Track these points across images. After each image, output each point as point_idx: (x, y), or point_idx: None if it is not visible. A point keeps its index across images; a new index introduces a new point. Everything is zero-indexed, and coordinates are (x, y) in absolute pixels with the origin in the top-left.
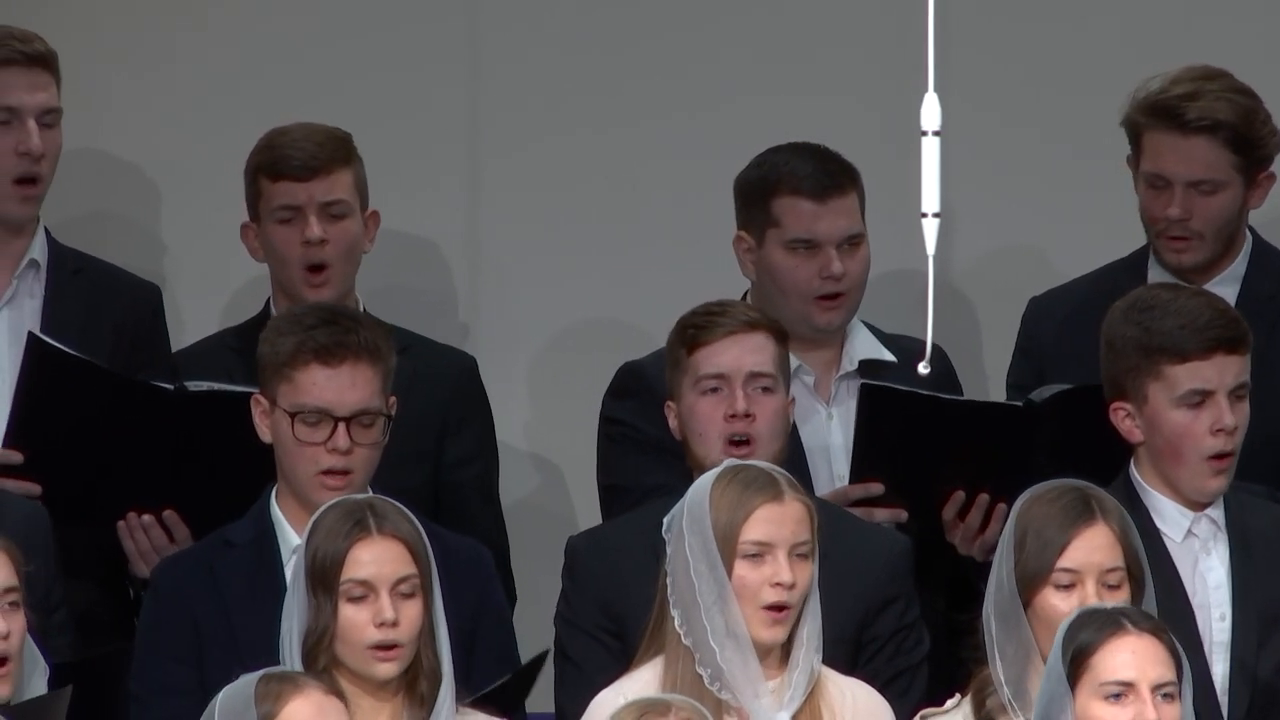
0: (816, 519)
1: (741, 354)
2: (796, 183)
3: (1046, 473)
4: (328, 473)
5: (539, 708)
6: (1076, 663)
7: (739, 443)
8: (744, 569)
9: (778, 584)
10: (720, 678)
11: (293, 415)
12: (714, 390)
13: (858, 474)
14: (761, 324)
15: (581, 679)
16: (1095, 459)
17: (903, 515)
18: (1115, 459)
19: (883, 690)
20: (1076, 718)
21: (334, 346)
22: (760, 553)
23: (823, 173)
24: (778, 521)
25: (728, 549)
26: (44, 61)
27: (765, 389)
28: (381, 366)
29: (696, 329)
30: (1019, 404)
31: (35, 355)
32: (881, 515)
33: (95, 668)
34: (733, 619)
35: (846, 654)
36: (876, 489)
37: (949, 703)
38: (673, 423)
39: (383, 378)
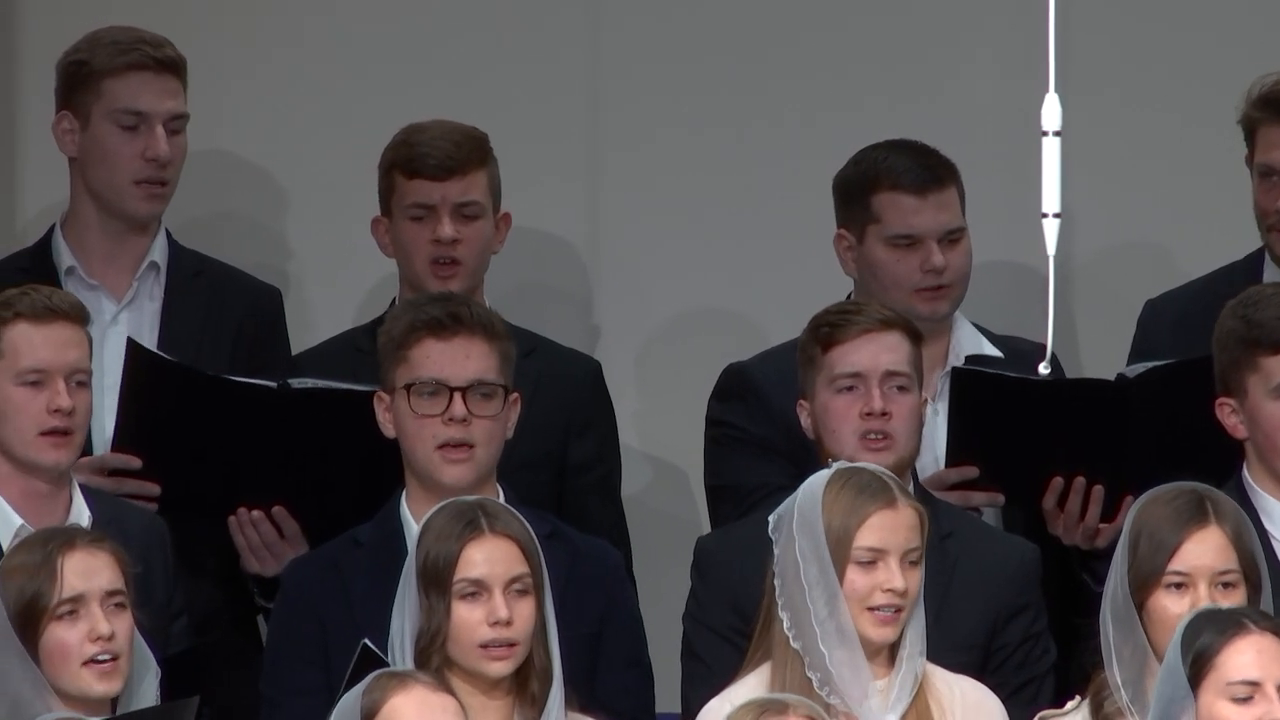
0: (927, 525)
1: (878, 352)
2: (895, 178)
3: (1142, 451)
4: (447, 446)
5: (665, 708)
6: (1198, 664)
7: (875, 440)
8: (855, 574)
9: (889, 589)
10: (830, 681)
11: (409, 389)
12: (849, 389)
13: (953, 458)
14: (897, 323)
15: (710, 678)
16: (1193, 437)
17: (1000, 499)
18: (1214, 437)
19: (1010, 699)
20: (1200, 719)
21: (446, 319)
22: (873, 559)
23: (921, 167)
24: (891, 528)
25: (840, 554)
26: (173, 67)
27: (901, 388)
28: (497, 344)
29: (832, 327)
30: (1110, 380)
31: (134, 360)
32: (978, 499)
33: (195, 658)
34: (843, 623)
35: (975, 661)
36: (971, 472)
37: (1068, 705)
38: (805, 420)
39: (499, 355)
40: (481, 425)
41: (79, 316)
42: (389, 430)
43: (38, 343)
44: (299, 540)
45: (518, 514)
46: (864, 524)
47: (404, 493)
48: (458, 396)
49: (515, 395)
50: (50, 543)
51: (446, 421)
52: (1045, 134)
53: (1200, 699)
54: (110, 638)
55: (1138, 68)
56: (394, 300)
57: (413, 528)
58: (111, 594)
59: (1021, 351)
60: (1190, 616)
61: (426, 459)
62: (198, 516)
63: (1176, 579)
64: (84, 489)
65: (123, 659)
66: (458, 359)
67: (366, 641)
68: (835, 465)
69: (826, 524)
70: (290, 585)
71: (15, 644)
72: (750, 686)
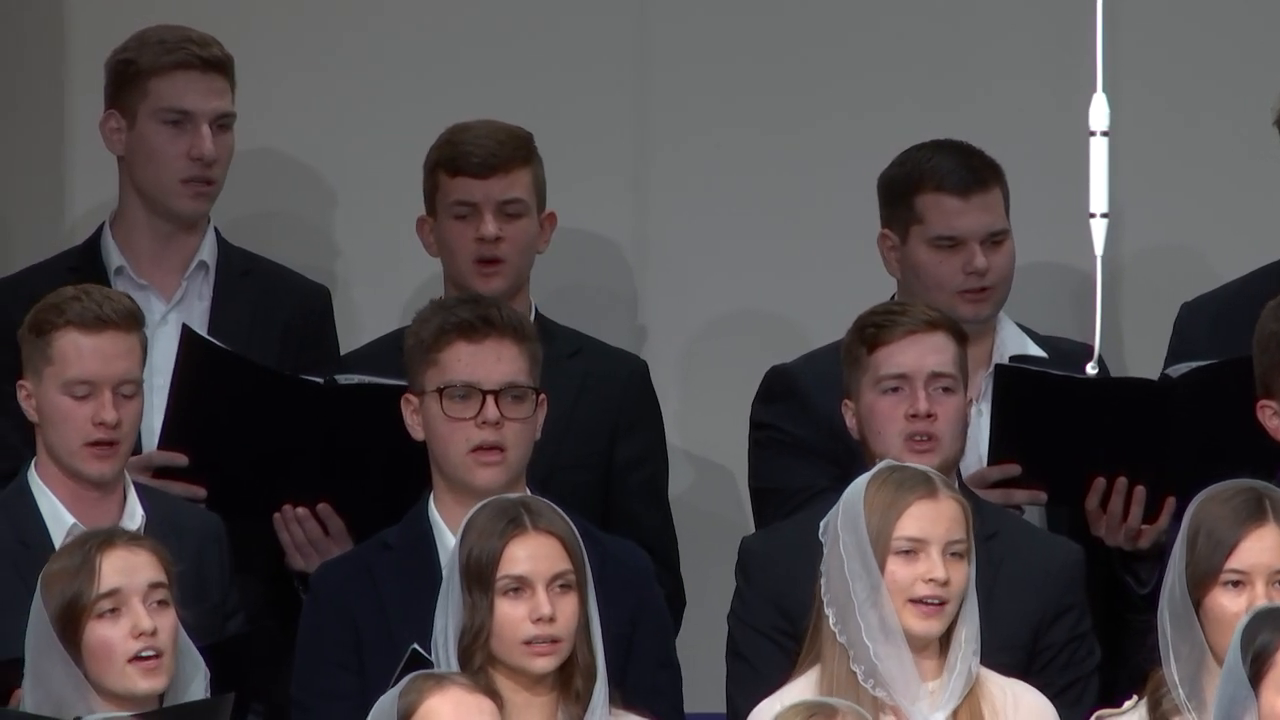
0: (972, 520)
1: (923, 353)
2: (939, 179)
3: (1184, 452)
4: (480, 449)
5: (711, 708)
6: (1258, 662)
7: (920, 441)
8: (896, 565)
9: (930, 579)
10: (875, 675)
11: (440, 392)
12: (895, 390)
13: (995, 456)
14: (942, 323)
15: (756, 678)
16: (1236, 438)
17: (1042, 498)
18: (1257, 438)
19: (1054, 699)
20: (1262, 717)
21: (477, 322)
22: (913, 549)
23: (965, 169)
24: (931, 519)
25: (881, 546)
26: (220, 66)
27: (946, 389)
28: (527, 346)
29: (877, 328)
30: (1153, 380)
31: (188, 348)
32: (1020, 497)
33: (231, 649)
34: (886, 615)
35: (1019, 662)
36: (1013, 470)
37: (1126, 704)
38: (850, 421)
39: (529, 357)
40: (513, 428)
41: (131, 323)
42: (417, 433)
43: (86, 353)
44: (344, 537)
45: (561, 511)
46: (904, 514)
47: (431, 495)
48: (490, 399)
49: (543, 396)
50: (88, 543)
51: (479, 425)
52: (1093, 134)
53: (1262, 697)
54: (153, 633)
55: (1184, 68)
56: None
57: (442, 530)
58: (153, 589)
59: (1066, 352)
60: (1249, 616)
61: (459, 462)
62: (243, 515)
63: (1234, 577)
64: (139, 488)
65: (167, 656)
66: (489, 362)
67: (416, 646)
68: (882, 463)
69: (868, 517)
70: (321, 588)
71: (58, 647)
72: (801, 688)
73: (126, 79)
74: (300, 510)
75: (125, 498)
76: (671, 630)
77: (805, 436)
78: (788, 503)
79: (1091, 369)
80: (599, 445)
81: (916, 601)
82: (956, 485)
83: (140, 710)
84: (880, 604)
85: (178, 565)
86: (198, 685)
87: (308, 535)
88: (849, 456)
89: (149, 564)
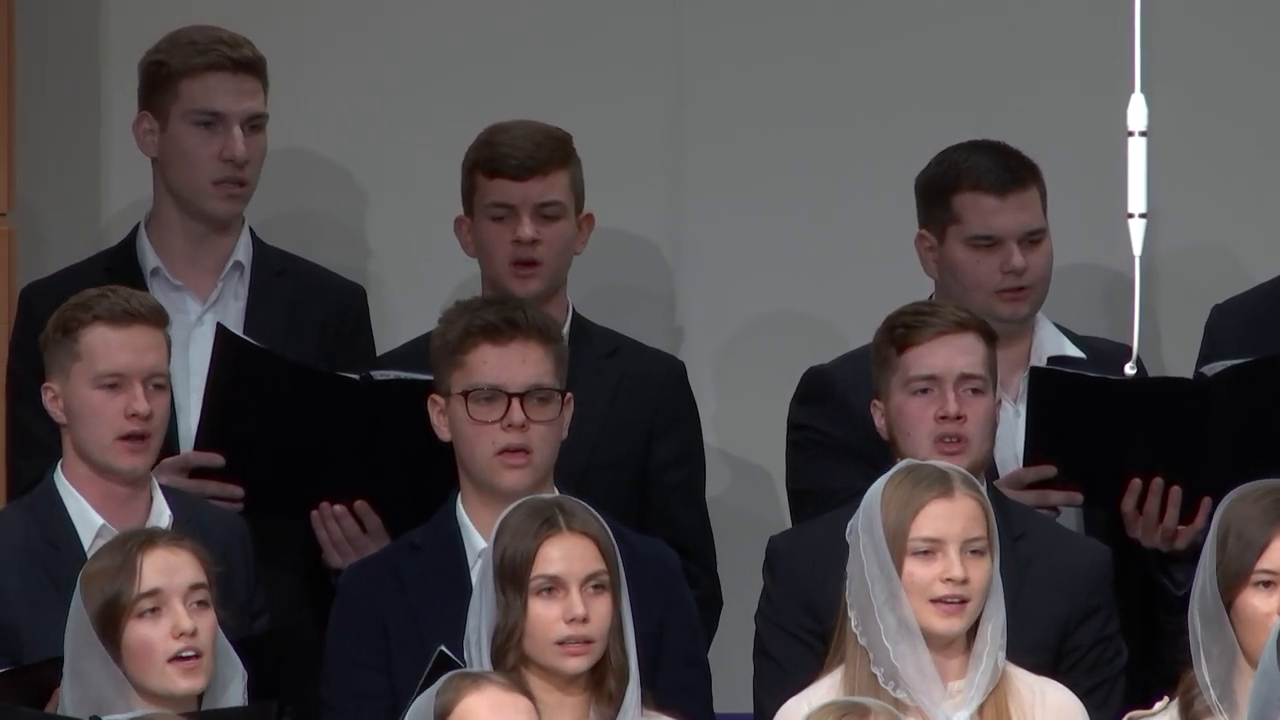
0: (993, 517)
1: (953, 355)
2: (976, 178)
3: (1220, 452)
4: (506, 451)
5: (738, 708)
6: None
7: (950, 443)
8: (914, 565)
9: (949, 579)
10: (895, 676)
11: (466, 395)
12: (924, 391)
13: (1031, 458)
14: (972, 324)
15: (783, 678)
16: (1273, 437)
17: (1078, 498)
18: None
19: (1081, 700)
20: None
21: (502, 324)
22: (930, 549)
23: (1002, 168)
24: (947, 518)
25: (898, 546)
26: (251, 67)
27: (976, 390)
28: (552, 348)
29: (906, 329)
30: (1188, 379)
31: (222, 347)
32: (1056, 498)
33: (259, 646)
34: (904, 616)
35: (1047, 662)
36: (1049, 472)
37: (1157, 705)
38: (879, 421)
39: (555, 359)
40: (538, 430)
41: (157, 319)
42: (443, 434)
43: (115, 346)
44: (381, 534)
45: (595, 512)
46: (919, 514)
47: (459, 496)
48: (515, 402)
49: (570, 396)
50: (129, 543)
51: (505, 427)
52: (1131, 134)
53: None
54: (193, 634)
55: (1222, 68)
56: None
57: (470, 531)
58: (193, 590)
59: (1104, 352)
60: None
61: (485, 464)
62: (280, 514)
63: (1265, 577)
64: (165, 489)
65: (206, 656)
66: (514, 364)
67: (443, 648)
68: (901, 463)
69: (884, 518)
70: (349, 589)
71: (98, 646)
72: (826, 687)
73: (158, 80)
74: (337, 508)
75: (152, 499)
76: (700, 629)
77: (843, 437)
78: (826, 504)
79: (1130, 369)
80: (635, 445)
81: (937, 601)
82: (984, 484)
83: (180, 711)
84: (898, 605)
85: (217, 566)
86: (236, 687)
87: (345, 533)
88: (886, 457)
89: (189, 564)
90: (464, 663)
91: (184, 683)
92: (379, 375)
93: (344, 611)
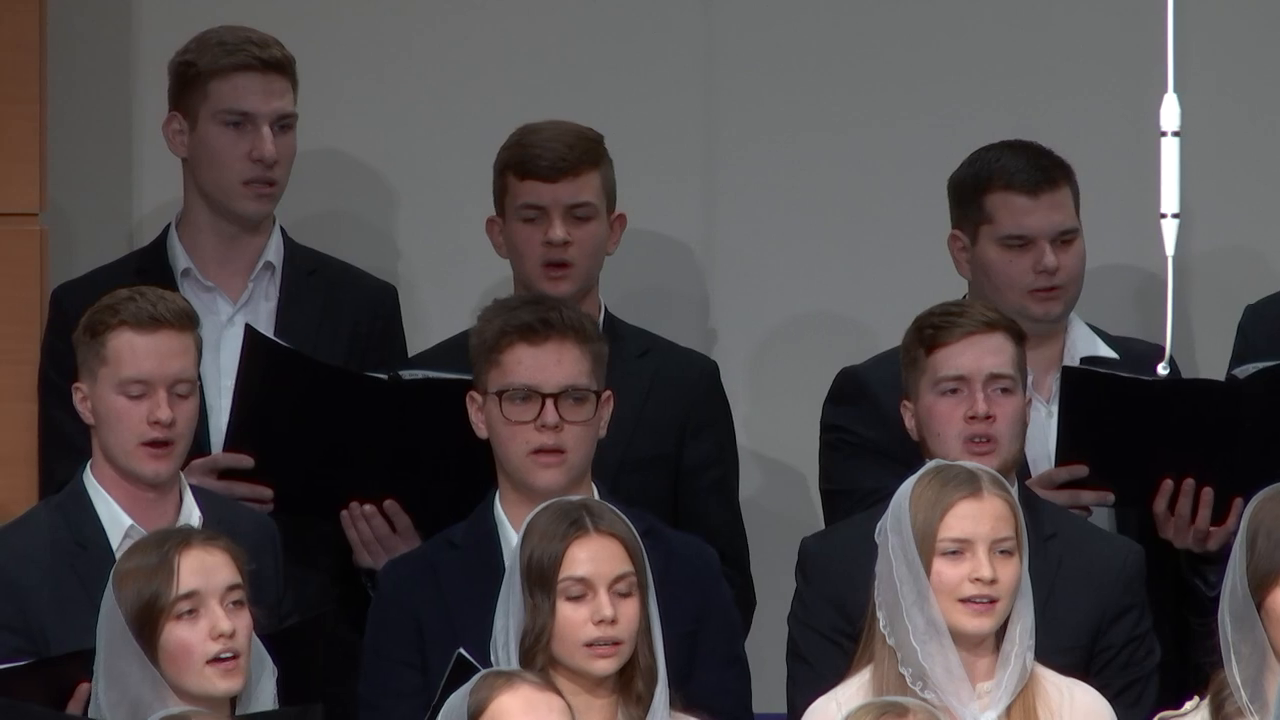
0: (1021, 517)
1: (981, 355)
2: (1008, 178)
3: (1252, 453)
4: (540, 451)
5: (771, 708)
6: None
7: (979, 443)
8: (942, 566)
9: (977, 579)
10: (923, 676)
11: (501, 395)
12: (953, 391)
13: (1063, 457)
14: (1000, 324)
15: (816, 680)
16: None
17: (1109, 498)
18: None
19: (1114, 700)
20: None
21: (538, 324)
22: (959, 549)
23: (1034, 167)
24: (975, 517)
25: (926, 547)
26: (280, 67)
27: (1005, 390)
28: (589, 347)
29: (935, 329)
30: (1220, 380)
31: (251, 347)
32: (1088, 498)
33: (290, 638)
34: (932, 617)
35: (1079, 662)
36: (1081, 471)
37: (1187, 705)
38: (909, 422)
39: (591, 359)
40: (573, 430)
41: (185, 323)
42: (481, 430)
43: (140, 353)
44: (411, 534)
45: (621, 514)
46: (947, 515)
47: (497, 493)
48: (549, 403)
49: (608, 393)
50: (166, 543)
51: (539, 428)
52: (1164, 134)
53: None
54: (231, 635)
55: (1255, 68)
56: None
57: (507, 529)
58: (230, 590)
59: (1137, 353)
60: None
61: (520, 463)
62: (310, 514)
63: None
64: (194, 489)
65: (243, 656)
66: (549, 365)
67: (462, 651)
68: (930, 463)
69: (913, 518)
70: (387, 587)
71: (134, 646)
72: (854, 687)
73: (187, 81)
74: (367, 508)
75: (181, 499)
76: (739, 627)
77: (876, 438)
78: (859, 505)
79: (1163, 369)
80: (667, 446)
81: (966, 601)
82: (1015, 484)
83: (214, 712)
84: (927, 605)
85: (250, 565)
86: (266, 683)
87: (375, 532)
88: (919, 458)
89: (225, 564)
90: (481, 666)
91: (223, 684)
92: (407, 375)
93: (381, 608)
